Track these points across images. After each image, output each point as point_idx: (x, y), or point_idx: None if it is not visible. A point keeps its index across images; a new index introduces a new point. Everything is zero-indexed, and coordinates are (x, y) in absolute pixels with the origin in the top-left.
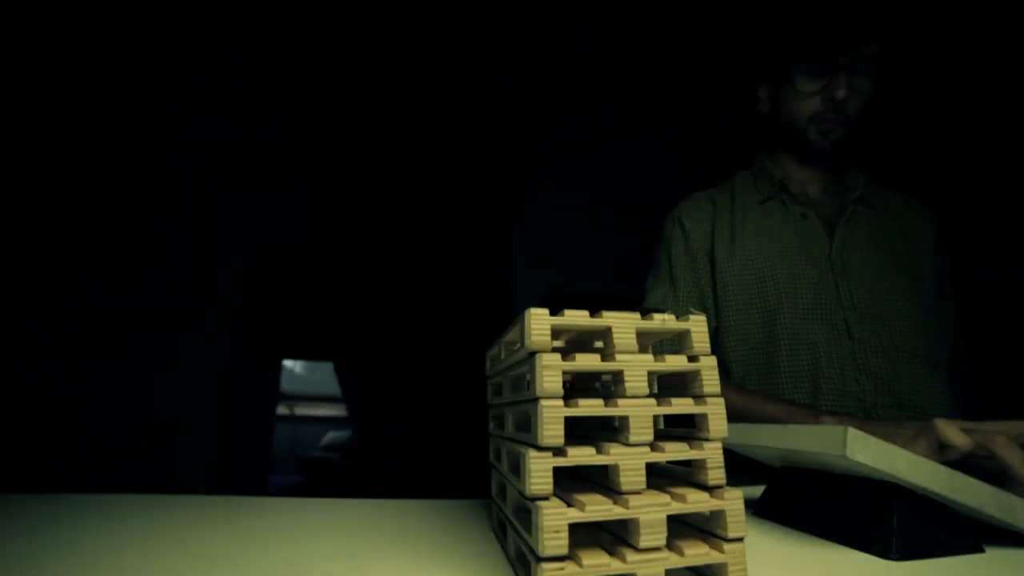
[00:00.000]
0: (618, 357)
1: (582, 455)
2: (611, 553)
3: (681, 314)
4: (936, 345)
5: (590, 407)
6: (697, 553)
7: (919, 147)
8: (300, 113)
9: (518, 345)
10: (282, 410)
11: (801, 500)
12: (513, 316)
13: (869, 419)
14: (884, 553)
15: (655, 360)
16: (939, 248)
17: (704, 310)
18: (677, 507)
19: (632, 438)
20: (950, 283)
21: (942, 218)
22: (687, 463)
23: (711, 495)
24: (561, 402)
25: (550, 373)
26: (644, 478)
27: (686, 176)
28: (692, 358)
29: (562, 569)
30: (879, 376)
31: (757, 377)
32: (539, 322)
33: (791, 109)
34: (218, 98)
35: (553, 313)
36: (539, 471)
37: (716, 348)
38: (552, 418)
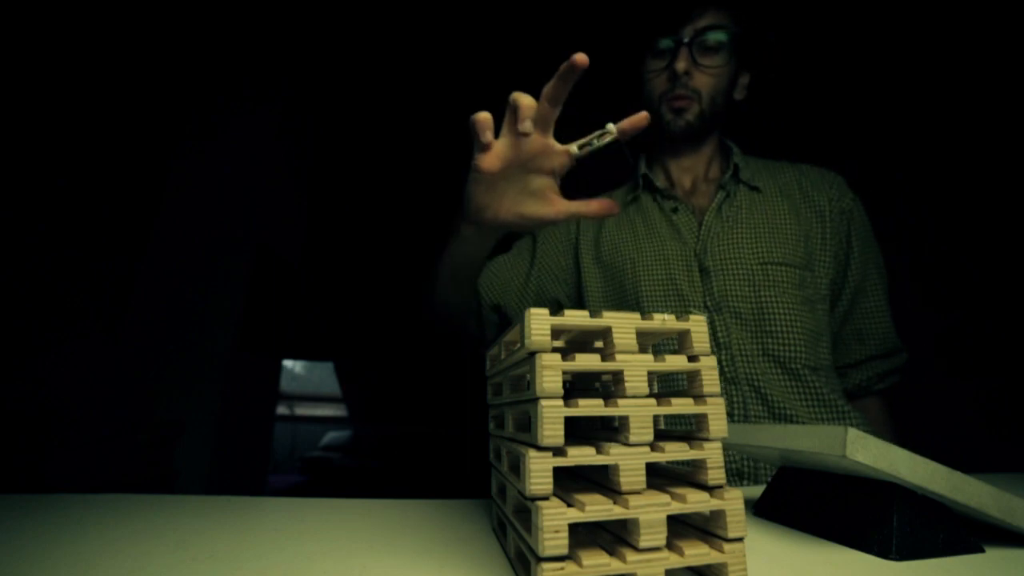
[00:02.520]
0: (618, 357)
1: (582, 455)
2: (611, 553)
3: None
4: (819, 346)
5: (590, 407)
6: (697, 553)
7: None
8: (301, 113)
9: (518, 345)
10: (282, 410)
11: (801, 500)
12: None
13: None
14: (884, 553)
15: (655, 360)
16: (855, 227)
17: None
18: (677, 507)
19: (632, 438)
20: (873, 268)
21: (943, 217)
22: (687, 463)
23: (711, 495)
24: (561, 402)
25: (550, 373)
26: (644, 478)
27: None
28: (692, 358)
29: (562, 569)
30: (751, 385)
31: None
32: (539, 322)
33: (646, 90)
34: (217, 97)
35: (553, 313)
36: (539, 471)
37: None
38: (552, 418)
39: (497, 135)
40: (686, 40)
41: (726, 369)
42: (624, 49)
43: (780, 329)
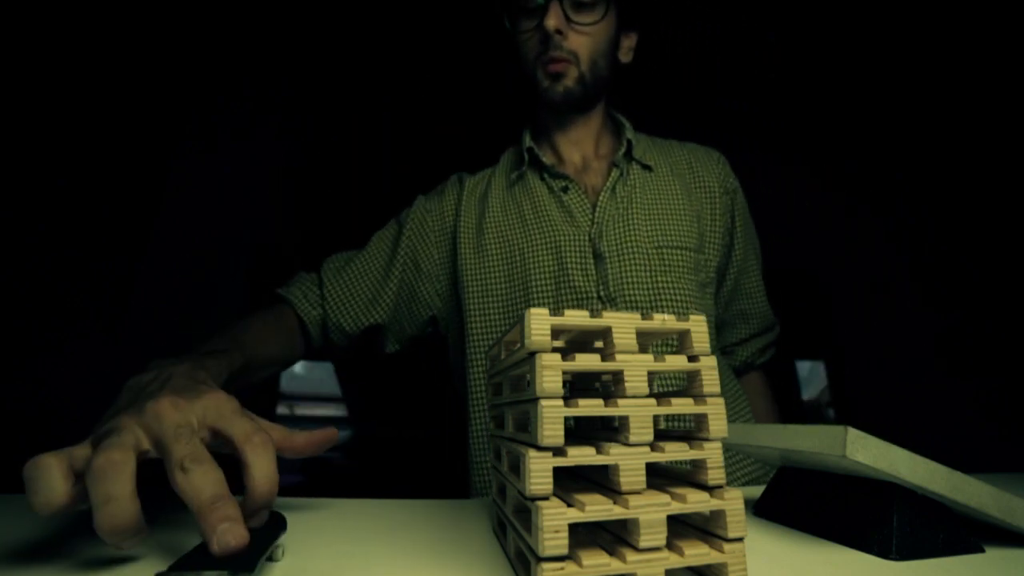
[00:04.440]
0: (618, 357)
1: (582, 455)
2: (611, 553)
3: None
4: (711, 331)
5: (590, 407)
6: (697, 553)
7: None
8: (301, 113)
9: (518, 345)
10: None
11: (801, 500)
12: None
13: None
14: (884, 553)
15: (655, 360)
16: (738, 207)
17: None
18: (677, 507)
19: (632, 438)
20: (752, 248)
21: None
22: (687, 463)
23: (711, 495)
24: (561, 402)
25: (550, 373)
26: (644, 478)
27: None
28: (692, 358)
29: (562, 569)
30: None
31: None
32: (539, 322)
33: (521, 54)
34: (217, 97)
35: (553, 313)
36: (539, 471)
37: (461, 360)
38: (552, 418)
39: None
40: None
41: None
42: (498, 8)
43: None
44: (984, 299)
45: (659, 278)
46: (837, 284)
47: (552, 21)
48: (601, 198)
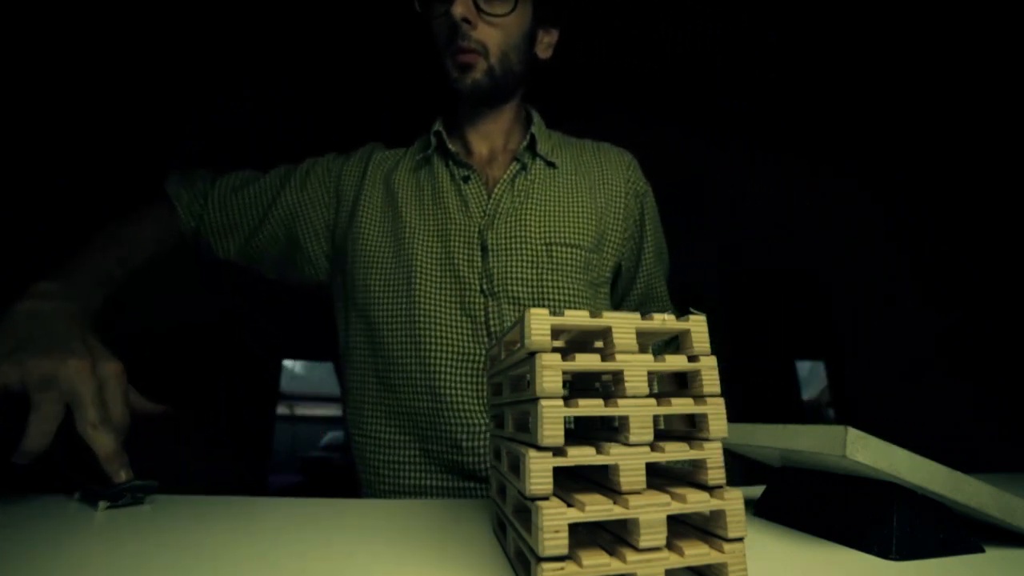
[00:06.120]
0: (618, 357)
1: (582, 455)
2: (611, 553)
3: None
4: None
5: (590, 407)
6: (697, 553)
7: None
8: (301, 113)
9: (518, 345)
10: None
11: (801, 500)
12: None
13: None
14: (884, 553)
15: (655, 360)
16: (647, 211)
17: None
18: (677, 507)
19: (632, 438)
20: (659, 254)
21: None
22: (687, 463)
23: (711, 495)
24: (561, 402)
25: (550, 373)
26: (644, 478)
27: (686, 176)
28: (692, 358)
29: (562, 569)
30: None
31: (376, 389)
32: (539, 322)
33: (434, 39)
34: (217, 97)
35: (553, 313)
36: (539, 471)
37: (346, 350)
38: (552, 418)
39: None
40: None
41: None
42: None
43: None
44: (984, 299)
45: (545, 275)
46: (837, 284)
47: (459, 8)
48: (497, 190)
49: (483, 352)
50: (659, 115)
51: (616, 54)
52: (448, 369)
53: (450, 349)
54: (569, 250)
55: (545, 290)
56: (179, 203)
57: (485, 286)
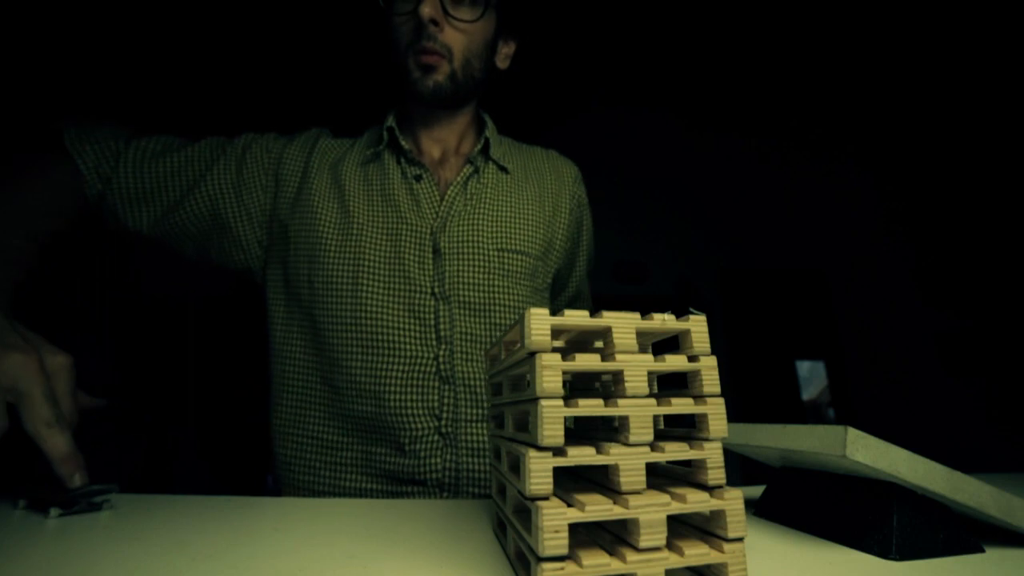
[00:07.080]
0: (618, 357)
1: (582, 455)
2: (611, 553)
3: None
4: None
5: (590, 407)
6: (697, 553)
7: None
8: (301, 112)
9: (518, 345)
10: None
11: (801, 500)
12: None
13: (444, 437)
14: (884, 553)
15: (655, 360)
16: (585, 220)
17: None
18: (677, 507)
19: (632, 438)
20: (586, 257)
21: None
22: (687, 463)
23: (711, 495)
24: (561, 402)
25: (550, 373)
26: (644, 478)
27: (686, 176)
28: (692, 358)
29: (562, 569)
30: (466, 386)
31: (320, 389)
32: (539, 322)
33: (394, 38)
34: (217, 96)
35: (553, 313)
36: (539, 471)
37: (277, 357)
38: (552, 418)
39: None
40: None
41: (442, 367)
42: None
43: (510, 321)
44: (984, 299)
45: (496, 281)
46: (838, 284)
47: (428, 9)
48: (450, 192)
49: (431, 355)
50: (660, 115)
51: (617, 51)
52: (393, 372)
53: (396, 352)
54: (519, 257)
55: (495, 295)
56: (83, 161)
57: (437, 289)
